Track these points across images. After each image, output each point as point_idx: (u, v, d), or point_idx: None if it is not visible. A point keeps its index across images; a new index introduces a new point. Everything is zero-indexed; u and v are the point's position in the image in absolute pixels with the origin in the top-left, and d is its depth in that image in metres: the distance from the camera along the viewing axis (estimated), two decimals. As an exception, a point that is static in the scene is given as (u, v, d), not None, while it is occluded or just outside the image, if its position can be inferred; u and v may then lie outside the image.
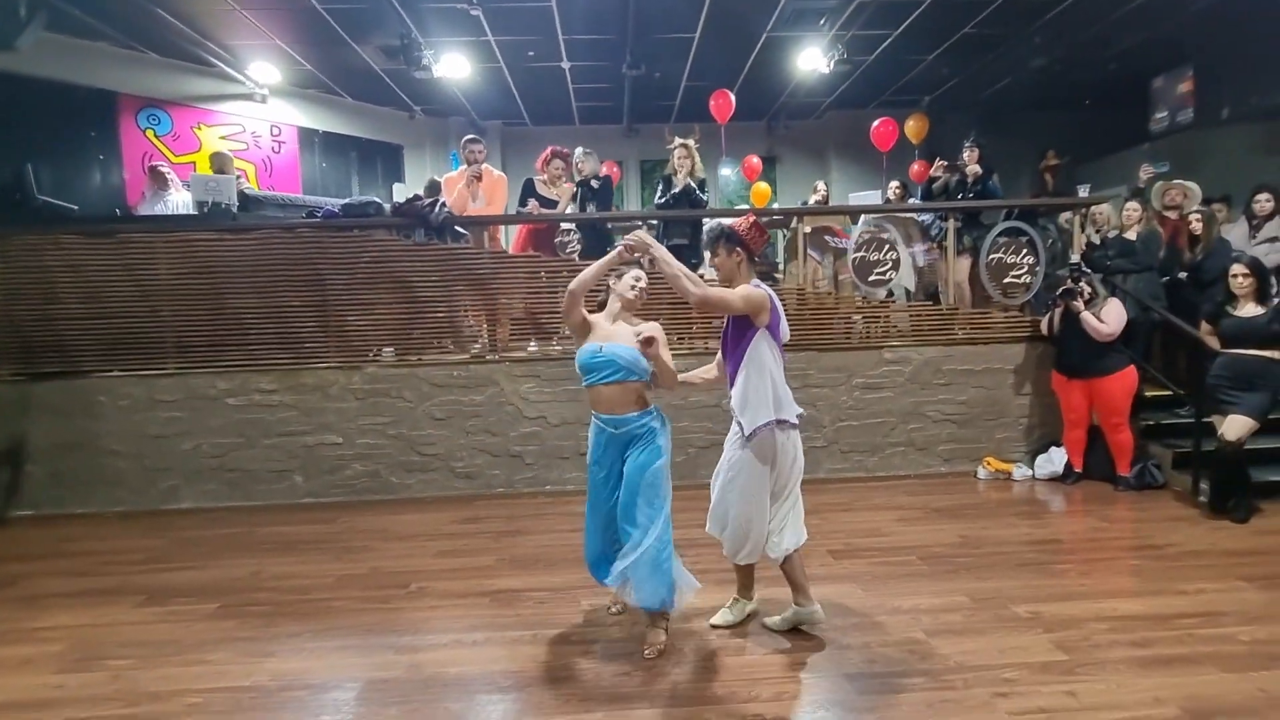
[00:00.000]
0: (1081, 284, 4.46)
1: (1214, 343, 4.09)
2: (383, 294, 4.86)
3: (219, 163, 5.39)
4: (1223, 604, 2.86)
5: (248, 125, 7.49)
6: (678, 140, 5.04)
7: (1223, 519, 3.89)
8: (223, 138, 7.28)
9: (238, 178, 5.35)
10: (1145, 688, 2.28)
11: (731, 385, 2.63)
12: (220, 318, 4.77)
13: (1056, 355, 4.71)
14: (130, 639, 2.82)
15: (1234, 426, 3.81)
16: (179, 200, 5.65)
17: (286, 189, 7.11)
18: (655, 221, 5.21)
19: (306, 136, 8.00)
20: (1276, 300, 3.93)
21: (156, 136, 6.81)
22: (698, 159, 5.08)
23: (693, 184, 5.01)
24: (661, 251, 2.57)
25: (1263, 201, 5.00)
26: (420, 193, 5.12)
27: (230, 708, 2.31)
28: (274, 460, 4.81)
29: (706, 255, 2.75)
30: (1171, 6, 5.90)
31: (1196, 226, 4.85)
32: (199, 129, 7.14)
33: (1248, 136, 6.44)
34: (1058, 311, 4.58)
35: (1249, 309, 3.93)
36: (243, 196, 5.11)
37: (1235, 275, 3.93)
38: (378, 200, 4.99)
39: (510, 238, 5.82)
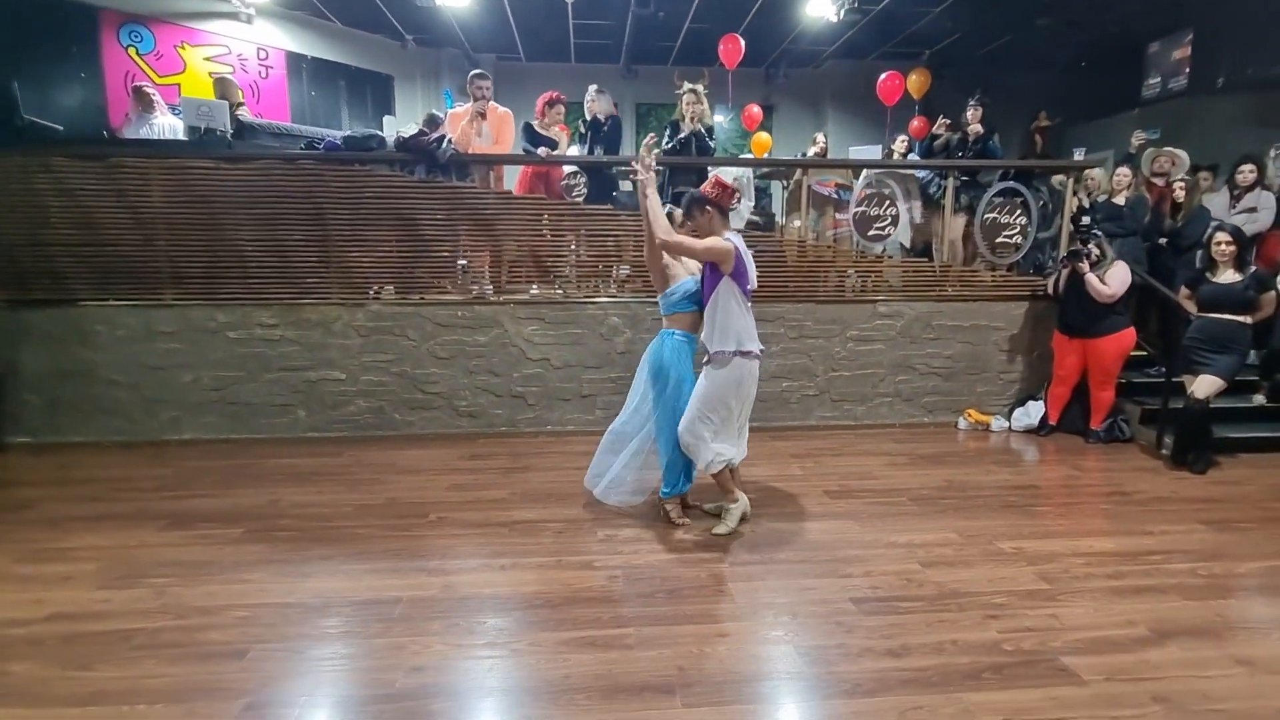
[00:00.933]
0: (1090, 246, 4.60)
1: (1192, 307, 4.33)
2: (385, 231, 4.82)
3: (223, 89, 5.15)
4: (1184, 544, 3.16)
5: (233, 47, 7.10)
6: (687, 85, 4.99)
7: (1182, 470, 4.21)
8: (207, 59, 6.90)
9: (239, 105, 5.15)
10: (1118, 612, 2.55)
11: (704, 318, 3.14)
12: (218, 249, 4.69)
13: (1059, 314, 4.91)
14: (165, 559, 2.92)
15: (1204, 385, 4.09)
16: (165, 124, 5.43)
17: (274, 117, 6.83)
18: (661, 168, 5.20)
19: (294, 62, 7.63)
20: (1253, 268, 4.16)
21: (139, 55, 6.43)
22: (706, 105, 5.05)
23: (701, 130, 4.99)
24: (653, 190, 3.02)
25: (1246, 172, 5.19)
26: (424, 127, 4.99)
27: (278, 620, 2.44)
28: (276, 394, 4.83)
29: (686, 220, 3.18)
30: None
31: (1179, 194, 5.04)
32: (183, 49, 6.75)
33: (1237, 106, 6.60)
34: (1064, 272, 4.75)
35: (1228, 275, 4.16)
36: (238, 124, 4.94)
37: (1219, 242, 4.14)
38: (380, 134, 4.86)
39: (513, 178, 5.75)
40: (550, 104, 4.96)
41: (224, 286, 4.72)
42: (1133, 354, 5.05)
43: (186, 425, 4.79)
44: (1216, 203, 5.36)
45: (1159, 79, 7.56)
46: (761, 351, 3.16)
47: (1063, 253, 5.02)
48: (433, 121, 5.61)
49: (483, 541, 3.15)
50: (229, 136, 4.81)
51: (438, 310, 4.87)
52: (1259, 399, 4.92)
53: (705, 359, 3.12)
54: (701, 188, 3.13)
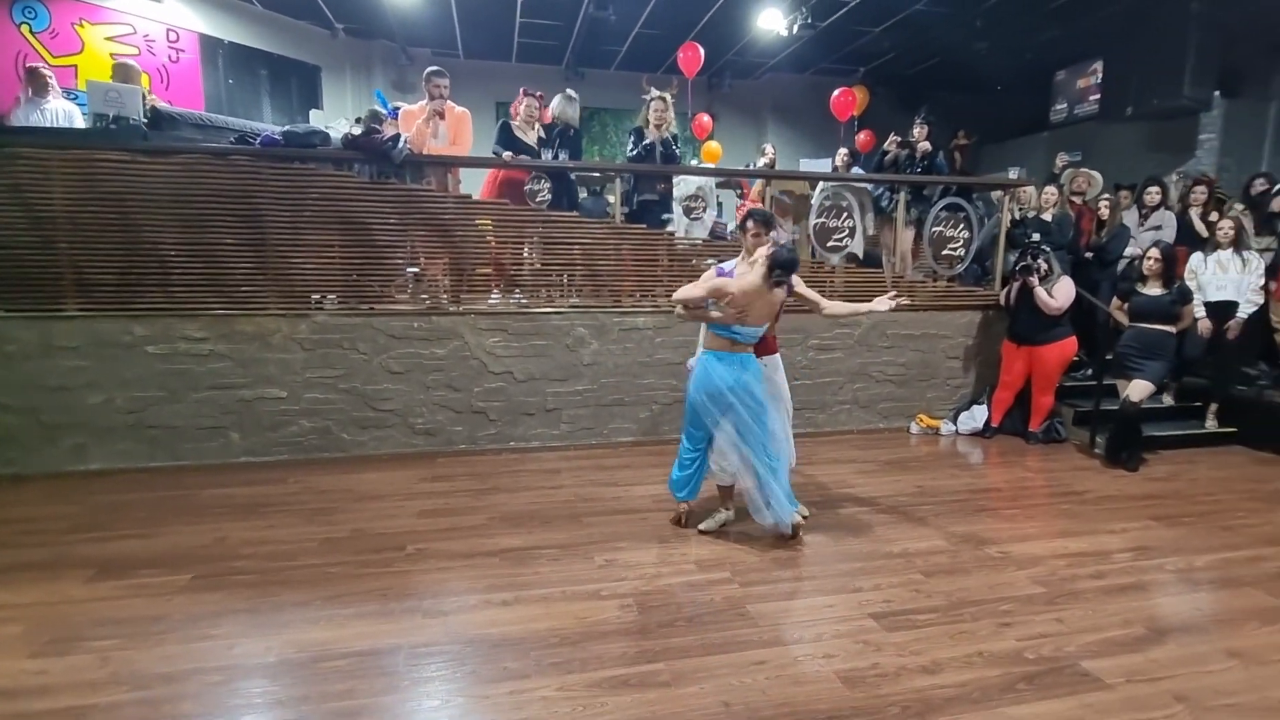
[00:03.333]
0: (1039, 261, 4.89)
1: (1123, 317, 4.70)
2: (331, 235, 4.44)
3: (124, 74, 4.55)
4: (1144, 540, 3.38)
5: (139, 26, 6.32)
6: (655, 92, 4.92)
7: (1118, 468, 4.54)
8: (109, 39, 6.10)
9: (147, 93, 4.59)
10: (1113, 612, 2.67)
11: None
12: (134, 254, 4.16)
13: (1009, 324, 5.21)
14: (102, 617, 2.50)
15: (1137, 389, 4.43)
16: (59, 109, 4.78)
17: (186, 105, 6.14)
18: (626, 175, 5.10)
19: (209, 46, 6.88)
20: (1178, 283, 4.56)
21: (32, 33, 5.59)
22: (673, 113, 5.00)
23: (667, 137, 4.93)
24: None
25: (1152, 193, 5.71)
26: (372, 124, 4.64)
27: (261, 683, 2.13)
28: (204, 416, 4.33)
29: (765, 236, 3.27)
30: (1090, 3, 6.42)
31: (1104, 212, 5.47)
32: (81, 27, 5.93)
33: (1143, 132, 7.28)
34: (1015, 285, 5.02)
35: (1155, 289, 4.54)
36: (154, 113, 4.40)
37: (1149, 258, 4.52)
38: (325, 131, 4.47)
39: (473, 182, 5.45)
40: (525, 96, 4.76)
41: (142, 296, 4.19)
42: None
43: (94, 454, 4.20)
44: (1128, 221, 5.86)
45: (1065, 104, 8.26)
46: None
47: (1003, 266, 5.31)
48: (375, 119, 5.24)
49: (474, 574, 2.92)
50: (143, 126, 4.28)
51: (391, 321, 4.53)
52: (1168, 400, 5.41)
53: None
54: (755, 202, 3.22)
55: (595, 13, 6.25)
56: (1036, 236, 5.13)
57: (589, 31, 7.12)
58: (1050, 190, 5.81)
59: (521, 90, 4.86)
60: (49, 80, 4.62)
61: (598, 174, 5.83)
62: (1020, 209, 6.11)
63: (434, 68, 4.71)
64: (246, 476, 4.13)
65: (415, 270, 4.73)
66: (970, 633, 2.50)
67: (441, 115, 4.60)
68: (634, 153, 5.04)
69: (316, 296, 4.50)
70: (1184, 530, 3.53)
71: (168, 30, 6.55)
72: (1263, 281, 4.81)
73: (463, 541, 3.24)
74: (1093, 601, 2.75)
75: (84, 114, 4.71)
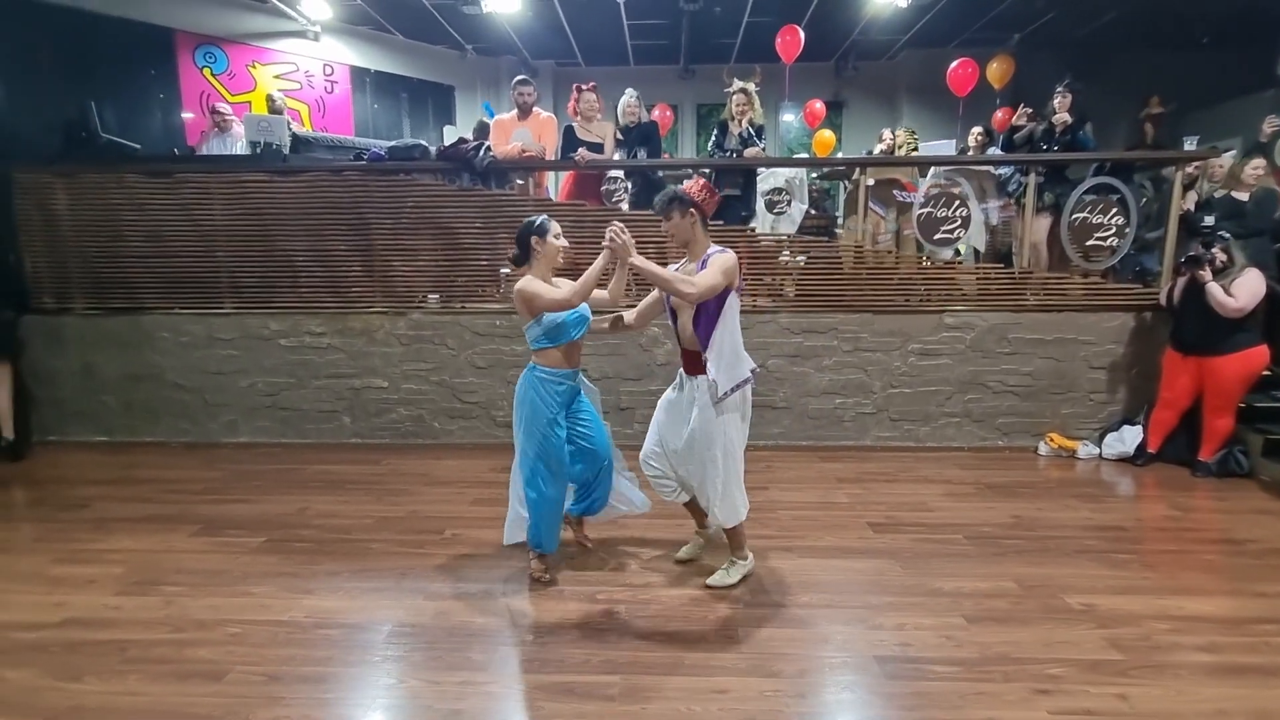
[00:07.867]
0: (1214, 250, 3.97)
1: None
2: (427, 240, 4.85)
3: (272, 105, 5.40)
4: (1307, 611, 2.61)
5: (301, 64, 7.46)
6: (737, 83, 4.72)
7: (1315, 515, 3.54)
8: (277, 77, 7.28)
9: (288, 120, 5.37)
10: (1208, 698, 2.10)
11: (706, 347, 2.59)
12: (271, 259, 4.87)
13: (1173, 328, 4.30)
14: (184, 566, 2.98)
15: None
16: (239, 141, 5.73)
17: (339, 130, 7.11)
18: (708, 170, 4.96)
19: (358, 76, 7.93)
20: None
21: (213, 75, 6.86)
22: (758, 104, 4.77)
23: (750, 131, 4.71)
24: (641, 261, 2.56)
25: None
26: (469, 135, 5.00)
27: (266, 640, 2.41)
28: (323, 401, 4.96)
29: (662, 219, 2.66)
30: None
31: (1323, 187, 4.28)
32: (253, 67, 7.15)
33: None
34: (1181, 280, 4.14)
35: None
36: (295, 138, 5.11)
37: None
38: (423, 143, 4.90)
39: (558, 185, 5.67)
40: (577, 97, 4.82)
41: (277, 295, 4.89)
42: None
43: (243, 429, 5.00)
44: (1368, 197, 4.53)
45: (1298, 54, 6.54)
46: (754, 371, 2.69)
47: (1173, 256, 4.37)
48: (482, 130, 5.62)
49: (490, 564, 3.03)
50: (285, 150, 4.98)
51: (476, 319, 4.84)
52: None
53: (721, 396, 2.56)
54: (686, 186, 2.64)
55: (688, 6, 6.14)
56: (1209, 220, 4.14)
57: (697, 27, 7.01)
58: (1256, 163, 4.67)
59: (574, 87, 4.91)
60: (229, 117, 5.59)
61: (690, 170, 5.72)
62: (1210, 186, 5.00)
63: (520, 76, 4.94)
64: (351, 456, 4.65)
65: (507, 271, 5.01)
66: (991, 695, 2.11)
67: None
68: (716, 147, 4.88)
69: (420, 297, 4.94)
70: (1377, 605, 2.66)
71: (324, 65, 7.62)
72: None
73: (497, 531, 3.31)
74: (1185, 680, 2.18)
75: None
